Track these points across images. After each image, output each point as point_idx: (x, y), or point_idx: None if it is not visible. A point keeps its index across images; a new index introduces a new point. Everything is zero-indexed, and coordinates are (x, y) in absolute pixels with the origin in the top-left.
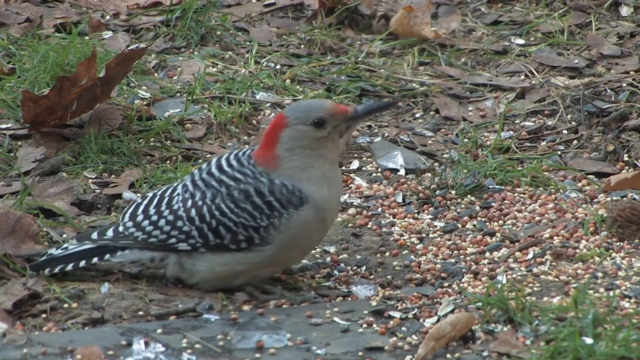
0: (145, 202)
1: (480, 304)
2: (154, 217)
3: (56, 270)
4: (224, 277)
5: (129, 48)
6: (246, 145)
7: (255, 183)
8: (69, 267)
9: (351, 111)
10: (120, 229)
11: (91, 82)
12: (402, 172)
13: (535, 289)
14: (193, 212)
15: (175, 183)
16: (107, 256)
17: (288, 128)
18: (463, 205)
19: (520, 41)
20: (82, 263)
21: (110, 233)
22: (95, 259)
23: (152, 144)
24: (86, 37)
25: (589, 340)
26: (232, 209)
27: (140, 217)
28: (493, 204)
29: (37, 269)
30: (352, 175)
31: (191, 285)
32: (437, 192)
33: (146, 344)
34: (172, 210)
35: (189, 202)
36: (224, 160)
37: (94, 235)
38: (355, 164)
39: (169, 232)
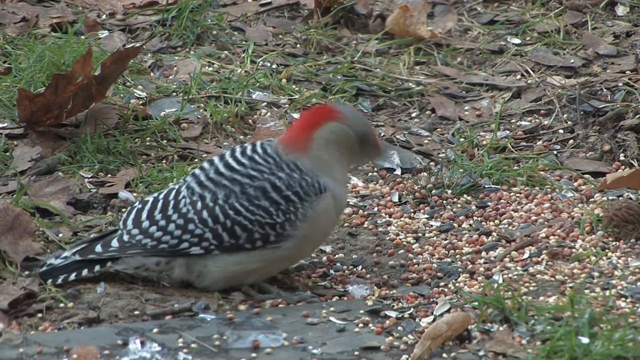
0: (148, 207)
1: (476, 303)
2: (162, 222)
3: (59, 281)
4: (236, 277)
5: (124, 46)
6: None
7: (272, 178)
8: (72, 276)
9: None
10: (125, 238)
11: (87, 80)
12: (398, 171)
13: (531, 288)
14: (205, 213)
15: (175, 185)
16: (109, 264)
17: (336, 122)
18: (459, 205)
19: (516, 41)
20: (85, 272)
21: (115, 244)
22: (97, 267)
23: (148, 143)
24: (82, 37)
25: (585, 340)
26: (247, 207)
27: (146, 224)
28: (489, 203)
29: (41, 279)
30: (348, 174)
31: (200, 288)
32: (433, 191)
33: (142, 343)
34: (181, 214)
35: (199, 204)
36: (230, 158)
37: (98, 249)
38: None
39: (180, 237)
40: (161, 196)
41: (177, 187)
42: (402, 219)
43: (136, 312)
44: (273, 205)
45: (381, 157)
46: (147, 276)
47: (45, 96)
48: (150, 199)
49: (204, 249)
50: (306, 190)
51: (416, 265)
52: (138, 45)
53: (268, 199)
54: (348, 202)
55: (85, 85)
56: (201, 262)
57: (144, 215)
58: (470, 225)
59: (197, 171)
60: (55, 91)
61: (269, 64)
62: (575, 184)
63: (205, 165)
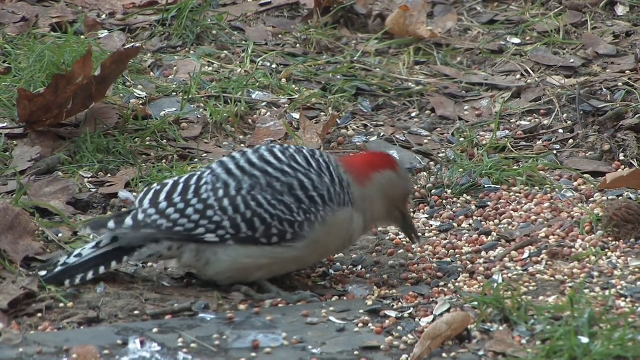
0: (167, 189)
1: (476, 303)
2: (180, 205)
3: (77, 281)
4: (244, 270)
5: (124, 47)
6: (242, 145)
7: (302, 177)
8: (90, 275)
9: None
10: (140, 217)
11: (86, 81)
12: None
13: (531, 288)
14: (226, 202)
15: (198, 171)
16: (126, 258)
17: (394, 173)
18: (459, 205)
19: (516, 40)
20: (102, 269)
21: (129, 221)
22: (114, 263)
23: (148, 143)
24: (82, 37)
25: (584, 340)
26: (270, 201)
27: (163, 205)
28: (489, 203)
29: (55, 281)
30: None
31: (206, 278)
32: (433, 191)
33: (142, 343)
34: (201, 199)
35: (221, 192)
36: (267, 152)
37: (111, 225)
38: None
39: (198, 222)
40: (182, 180)
41: (199, 173)
42: None
43: (136, 312)
44: (296, 202)
45: (407, 222)
46: (146, 276)
47: (45, 96)
48: (170, 181)
49: (219, 237)
50: (331, 197)
51: (416, 265)
52: (138, 45)
53: (293, 196)
54: None
55: (85, 86)
56: (212, 249)
57: (162, 196)
58: (470, 225)
59: (225, 159)
60: (55, 91)
61: (268, 64)
62: (575, 183)
63: (236, 154)
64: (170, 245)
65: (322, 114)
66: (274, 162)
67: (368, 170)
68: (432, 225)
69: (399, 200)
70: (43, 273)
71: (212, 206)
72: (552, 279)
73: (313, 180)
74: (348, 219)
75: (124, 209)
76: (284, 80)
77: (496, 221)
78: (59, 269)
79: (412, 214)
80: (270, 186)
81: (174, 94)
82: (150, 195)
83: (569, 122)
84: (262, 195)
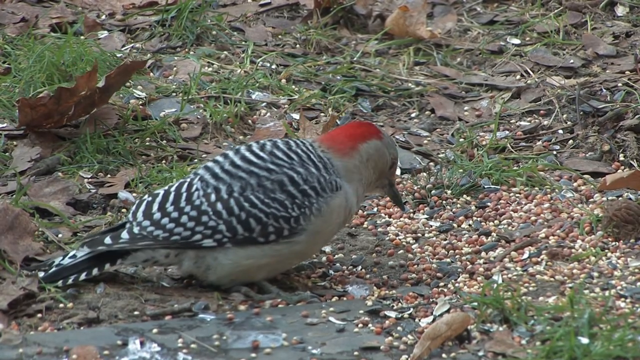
0: (159, 199)
1: (475, 303)
2: (174, 214)
3: (70, 281)
4: (246, 272)
5: (130, 60)
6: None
7: (290, 172)
8: (82, 276)
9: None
10: (136, 230)
11: (90, 92)
12: (397, 171)
13: (530, 288)
14: (219, 205)
15: (187, 178)
16: (119, 260)
17: (380, 142)
18: (459, 205)
19: (516, 41)
20: (95, 271)
21: (125, 235)
22: (107, 265)
23: (147, 143)
24: (82, 37)
25: (584, 340)
26: (263, 200)
27: (157, 215)
28: (489, 203)
29: (49, 281)
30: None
31: (206, 284)
32: (433, 191)
33: (142, 343)
34: (195, 206)
35: (213, 196)
36: (247, 152)
37: (108, 240)
38: None
39: (193, 229)
40: (172, 189)
41: (188, 180)
42: (401, 219)
43: (136, 313)
44: (289, 198)
45: (394, 190)
46: (146, 276)
47: (47, 105)
48: (161, 191)
49: (217, 242)
50: (323, 186)
51: (416, 266)
52: (144, 57)
53: (285, 192)
54: None
55: (88, 96)
56: (212, 254)
57: (155, 207)
58: (469, 225)
59: (210, 164)
60: (57, 102)
61: (268, 64)
62: (575, 184)
63: (219, 158)
64: (168, 253)
65: (322, 114)
66: (257, 161)
67: (354, 142)
68: (432, 226)
69: (388, 168)
70: (41, 274)
71: (206, 211)
72: (551, 279)
73: (301, 174)
74: (343, 202)
75: (123, 209)
76: (283, 80)
77: (496, 222)
78: (53, 269)
79: (412, 213)
80: (261, 185)
81: (174, 94)
82: (142, 207)
83: (569, 123)
84: (255, 195)
